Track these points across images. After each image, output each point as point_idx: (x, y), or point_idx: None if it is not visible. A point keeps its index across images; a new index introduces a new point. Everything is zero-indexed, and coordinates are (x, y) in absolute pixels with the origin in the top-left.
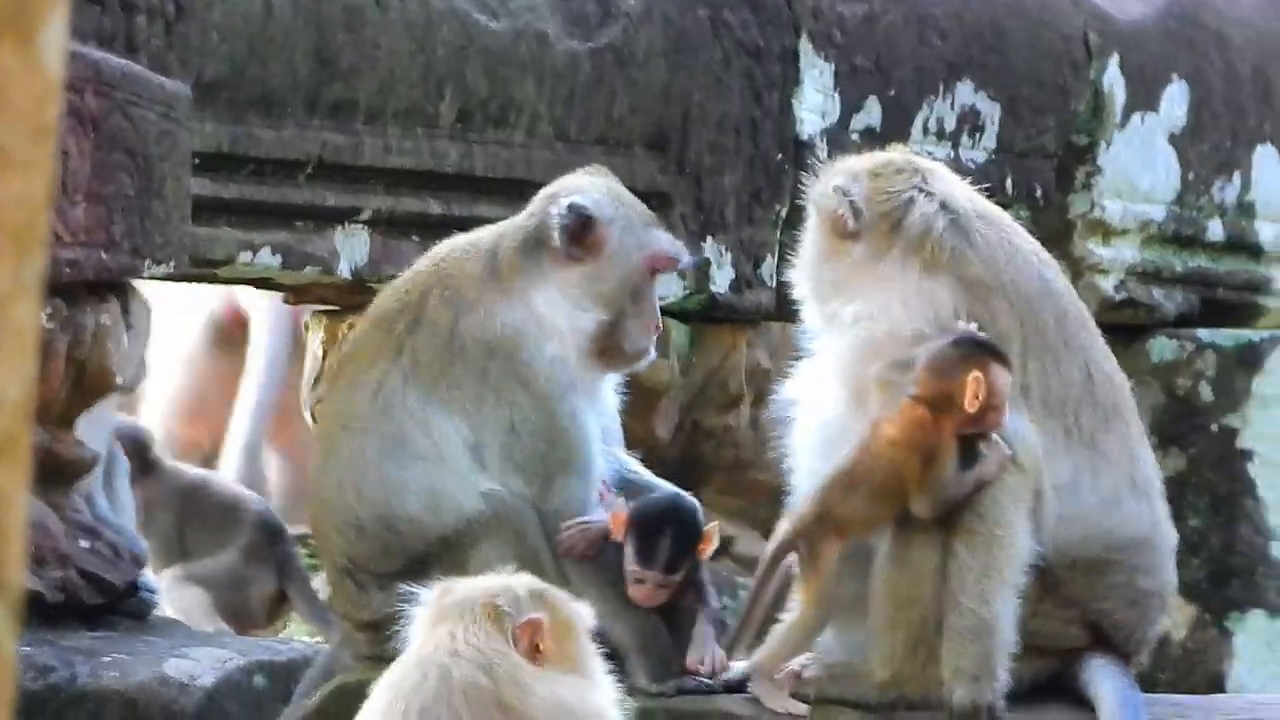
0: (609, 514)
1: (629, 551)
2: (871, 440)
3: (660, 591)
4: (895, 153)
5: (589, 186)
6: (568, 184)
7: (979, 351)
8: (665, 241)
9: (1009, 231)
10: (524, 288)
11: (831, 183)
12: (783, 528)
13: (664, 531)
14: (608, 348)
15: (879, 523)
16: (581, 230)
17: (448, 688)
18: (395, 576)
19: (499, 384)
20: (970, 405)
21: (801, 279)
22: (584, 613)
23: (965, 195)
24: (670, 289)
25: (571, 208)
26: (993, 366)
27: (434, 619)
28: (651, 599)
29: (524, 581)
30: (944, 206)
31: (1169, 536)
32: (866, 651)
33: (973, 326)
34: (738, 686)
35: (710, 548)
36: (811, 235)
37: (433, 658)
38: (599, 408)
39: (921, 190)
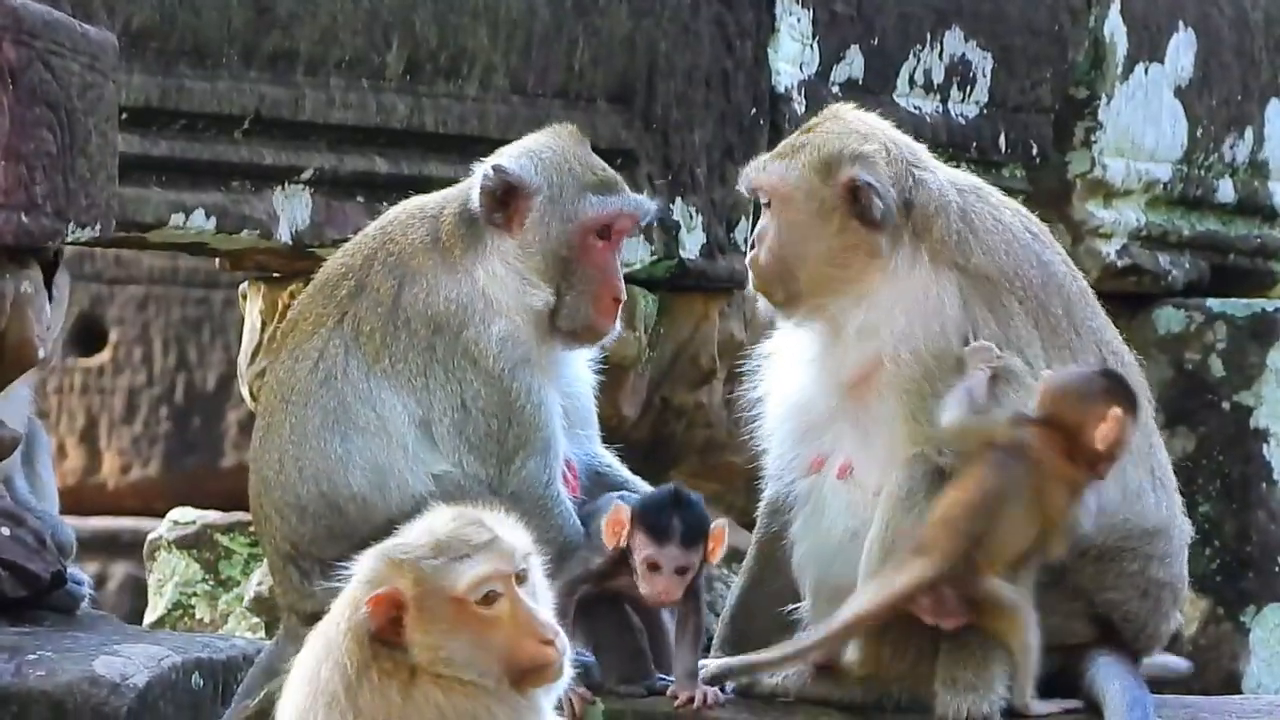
0: (604, 520)
1: (640, 540)
2: (1012, 454)
3: (677, 580)
4: (848, 111)
5: (532, 148)
6: (519, 144)
7: (1126, 394)
8: (597, 207)
9: (994, 204)
10: (466, 260)
11: (848, 173)
12: (912, 573)
13: (672, 510)
14: (557, 325)
15: (1029, 549)
16: (507, 196)
17: (313, 692)
18: (342, 564)
19: (447, 360)
20: (1101, 443)
21: (800, 269)
22: (465, 580)
23: (943, 168)
24: (636, 254)
25: (496, 170)
26: (1131, 417)
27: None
28: (669, 590)
29: (412, 541)
30: (947, 187)
31: (1185, 527)
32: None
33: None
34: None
35: (720, 548)
36: (817, 224)
37: (311, 645)
38: (564, 385)
39: (920, 169)
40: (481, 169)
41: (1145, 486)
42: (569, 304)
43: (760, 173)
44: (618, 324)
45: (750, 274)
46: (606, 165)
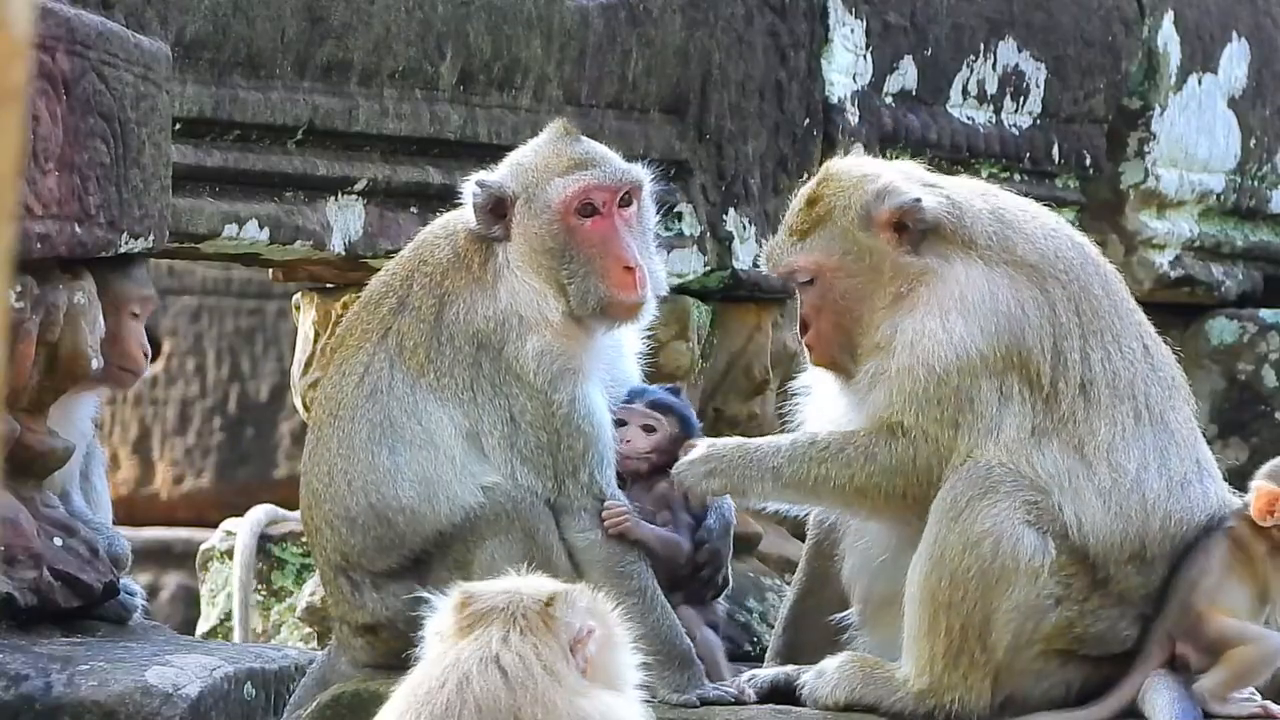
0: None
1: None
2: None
3: (641, 434)
4: (840, 163)
5: (514, 155)
6: (510, 154)
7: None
8: (562, 187)
9: (1011, 197)
10: (489, 275)
11: (886, 208)
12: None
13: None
14: (579, 314)
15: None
16: (498, 208)
17: (460, 700)
18: (392, 576)
19: (493, 375)
20: (1259, 517)
21: (862, 328)
22: (626, 625)
23: (948, 177)
24: (689, 265)
25: (480, 185)
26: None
27: (466, 623)
28: (633, 441)
29: (555, 585)
30: (969, 193)
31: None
32: (903, 655)
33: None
34: (768, 696)
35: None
36: (873, 278)
37: (459, 665)
38: (613, 382)
39: (936, 184)
40: (468, 188)
41: (1191, 476)
42: (576, 290)
43: (794, 255)
44: (644, 292)
45: (809, 356)
46: (591, 148)
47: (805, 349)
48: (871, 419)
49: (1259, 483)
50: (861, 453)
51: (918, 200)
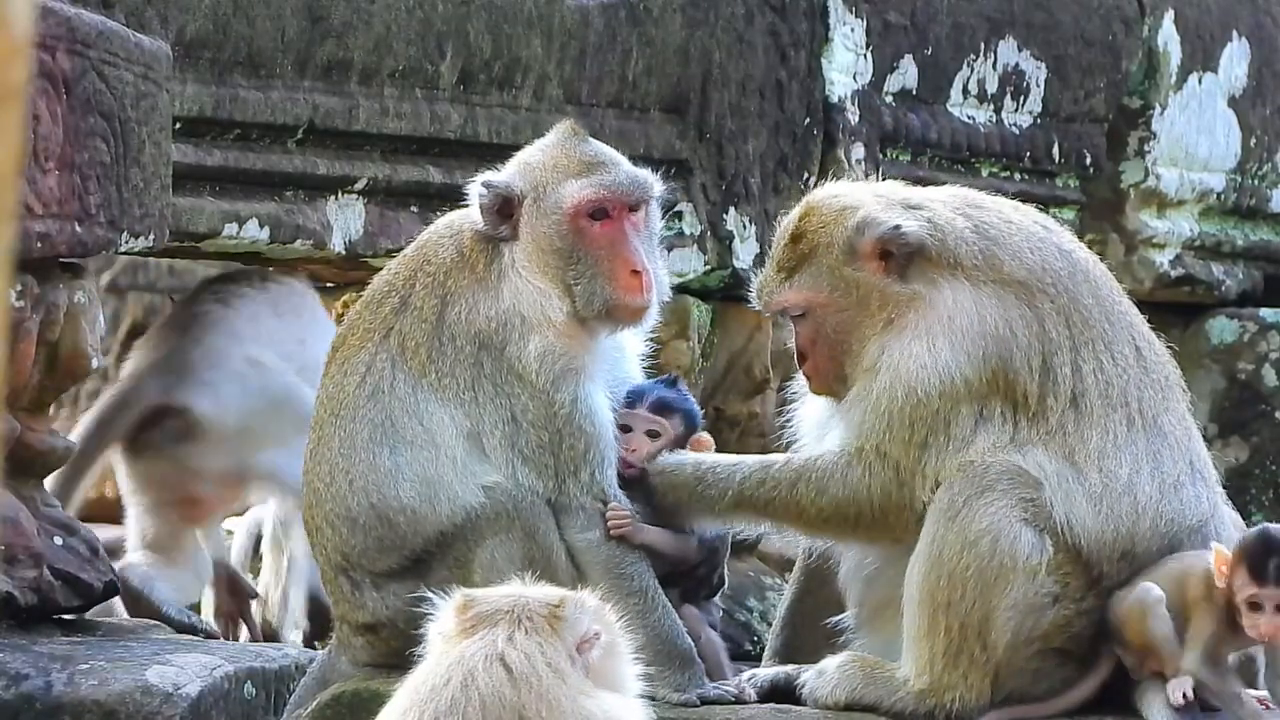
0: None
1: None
2: None
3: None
4: (820, 194)
5: (522, 155)
6: (517, 154)
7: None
8: (575, 190)
9: (996, 208)
10: (493, 275)
11: (869, 238)
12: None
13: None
14: (584, 316)
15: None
16: (505, 208)
17: (466, 697)
18: (393, 575)
19: (494, 375)
20: (1217, 578)
21: (854, 355)
22: (629, 631)
23: (932, 193)
24: (689, 264)
25: (486, 186)
26: (1244, 567)
27: (470, 623)
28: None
29: (562, 591)
30: (949, 213)
31: (1229, 519)
32: (903, 655)
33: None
34: (768, 696)
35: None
36: (862, 309)
37: (463, 663)
38: (615, 383)
39: (917, 205)
40: (475, 188)
41: (1184, 479)
42: (582, 291)
43: (784, 292)
44: (650, 296)
45: (809, 385)
46: (601, 151)
47: (804, 378)
48: (840, 441)
49: (1219, 546)
50: (814, 484)
51: (897, 227)
